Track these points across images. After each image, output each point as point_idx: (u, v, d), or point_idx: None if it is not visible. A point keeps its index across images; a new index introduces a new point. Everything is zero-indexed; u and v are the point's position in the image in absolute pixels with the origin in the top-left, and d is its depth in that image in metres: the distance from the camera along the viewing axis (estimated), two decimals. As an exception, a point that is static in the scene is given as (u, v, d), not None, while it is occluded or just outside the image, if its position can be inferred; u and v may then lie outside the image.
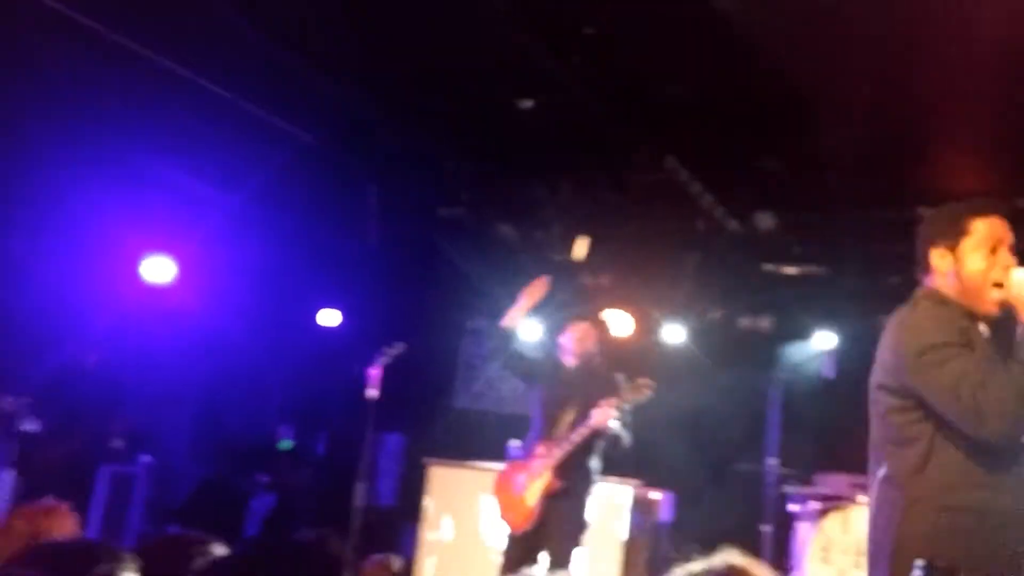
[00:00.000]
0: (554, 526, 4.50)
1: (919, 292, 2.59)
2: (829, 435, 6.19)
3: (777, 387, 6.35)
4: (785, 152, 5.77)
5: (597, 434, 4.51)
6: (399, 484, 8.16)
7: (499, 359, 5.03)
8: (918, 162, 5.75)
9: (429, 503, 6.41)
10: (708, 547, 1.98)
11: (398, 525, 7.30)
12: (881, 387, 2.51)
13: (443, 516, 6.37)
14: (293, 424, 8.41)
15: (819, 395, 7.09)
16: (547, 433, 4.61)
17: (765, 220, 6.43)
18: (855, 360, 7.05)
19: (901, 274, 6.67)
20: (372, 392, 5.40)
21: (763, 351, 7.29)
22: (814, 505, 5.85)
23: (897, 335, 2.50)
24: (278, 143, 5.78)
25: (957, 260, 2.49)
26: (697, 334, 7.49)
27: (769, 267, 7.13)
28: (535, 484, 4.55)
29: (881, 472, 2.49)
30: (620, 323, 7.24)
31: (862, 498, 5.54)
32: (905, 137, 5.35)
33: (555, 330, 5.14)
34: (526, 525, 4.55)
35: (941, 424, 2.36)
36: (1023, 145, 5.33)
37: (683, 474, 6.59)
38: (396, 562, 4.03)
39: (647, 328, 7.41)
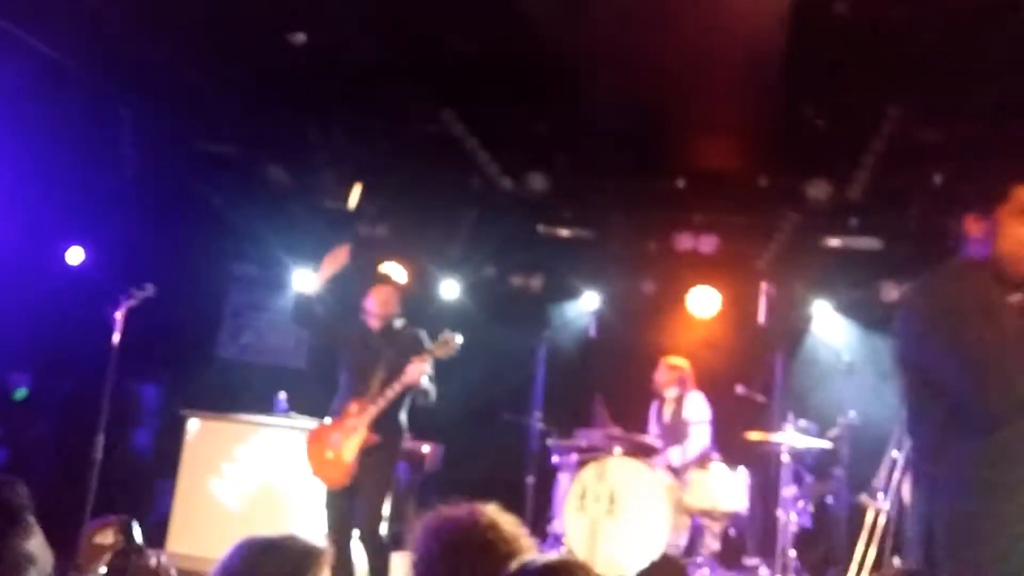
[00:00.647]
0: (369, 478, 4.68)
1: (950, 262, 2.43)
2: (591, 390, 6.49)
3: (544, 344, 6.56)
4: (556, 117, 5.93)
5: (409, 389, 4.72)
6: (156, 437, 7.68)
7: (293, 317, 5.15)
8: (675, 138, 6.11)
9: (186, 456, 6.10)
10: (474, 497, 2.00)
11: (154, 479, 6.89)
12: (902, 361, 2.39)
13: (201, 469, 6.08)
14: (30, 372, 7.64)
15: (582, 353, 7.42)
16: (358, 392, 4.77)
17: (537, 181, 6.58)
18: (616, 321, 7.46)
19: (659, 241, 7.17)
20: (117, 337, 5.06)
21: (533, 309, 7.50)
22: (573, 457, 6.13)
23: (913, 302, 2.39)
24: (20, 57, 5.14)
25: (993, 226, 2.33)
26: (471, 290, 7.58)
27: (541, 228, 7.32)
28: (351, 441, 4.70)
29: (913, 450, 2.42)
30: (396, 275, 7.16)
31: (617, 450, 5.87)
32: (663, 114, 5.67)
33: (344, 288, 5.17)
34: (345, 481, 4.68)
35: (954, 397, 2.24)
36: (766, 129, 5.81)
37: (454, 427, 6.68)
38: (119, 524, 3.86)
39: (423, 281, 7.39)
